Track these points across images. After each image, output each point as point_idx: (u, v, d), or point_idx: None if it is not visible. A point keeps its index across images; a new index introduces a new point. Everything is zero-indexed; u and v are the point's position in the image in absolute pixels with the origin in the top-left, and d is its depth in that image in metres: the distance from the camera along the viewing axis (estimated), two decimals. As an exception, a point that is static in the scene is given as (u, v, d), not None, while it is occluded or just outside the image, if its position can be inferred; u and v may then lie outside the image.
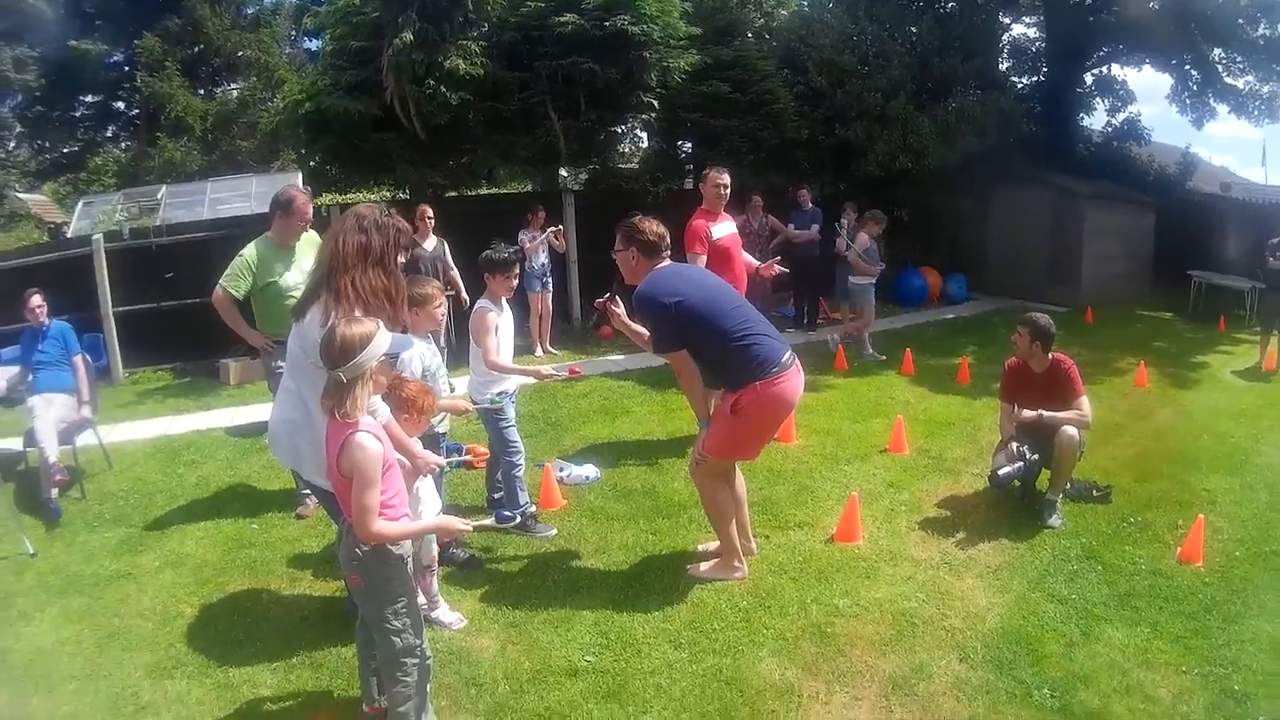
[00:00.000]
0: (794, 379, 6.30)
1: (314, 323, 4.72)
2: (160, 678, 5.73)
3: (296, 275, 7.88)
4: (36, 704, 5.55)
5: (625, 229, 6.50)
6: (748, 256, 9.97)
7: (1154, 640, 5.72)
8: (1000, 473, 7.64)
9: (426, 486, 5.72)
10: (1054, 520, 7.51)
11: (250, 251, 7.89)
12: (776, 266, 9.79)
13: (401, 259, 5.13)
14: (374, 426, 4.23)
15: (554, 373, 7.69)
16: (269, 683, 5.57)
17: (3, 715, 5.50)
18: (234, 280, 7.80)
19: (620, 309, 6.53)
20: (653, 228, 6.45)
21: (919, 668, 5.45)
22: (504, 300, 7.48)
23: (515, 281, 7.51)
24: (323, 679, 5.58)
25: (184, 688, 5.59)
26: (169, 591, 6.98)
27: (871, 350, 14.84)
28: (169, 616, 6.57)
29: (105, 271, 15.08)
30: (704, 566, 6.78)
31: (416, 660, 4.50)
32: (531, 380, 7.99)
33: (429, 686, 4.66)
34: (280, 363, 7.79)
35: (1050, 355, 7.87)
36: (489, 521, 6.40)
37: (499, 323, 7.32)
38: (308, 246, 8.06)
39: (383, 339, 4.19)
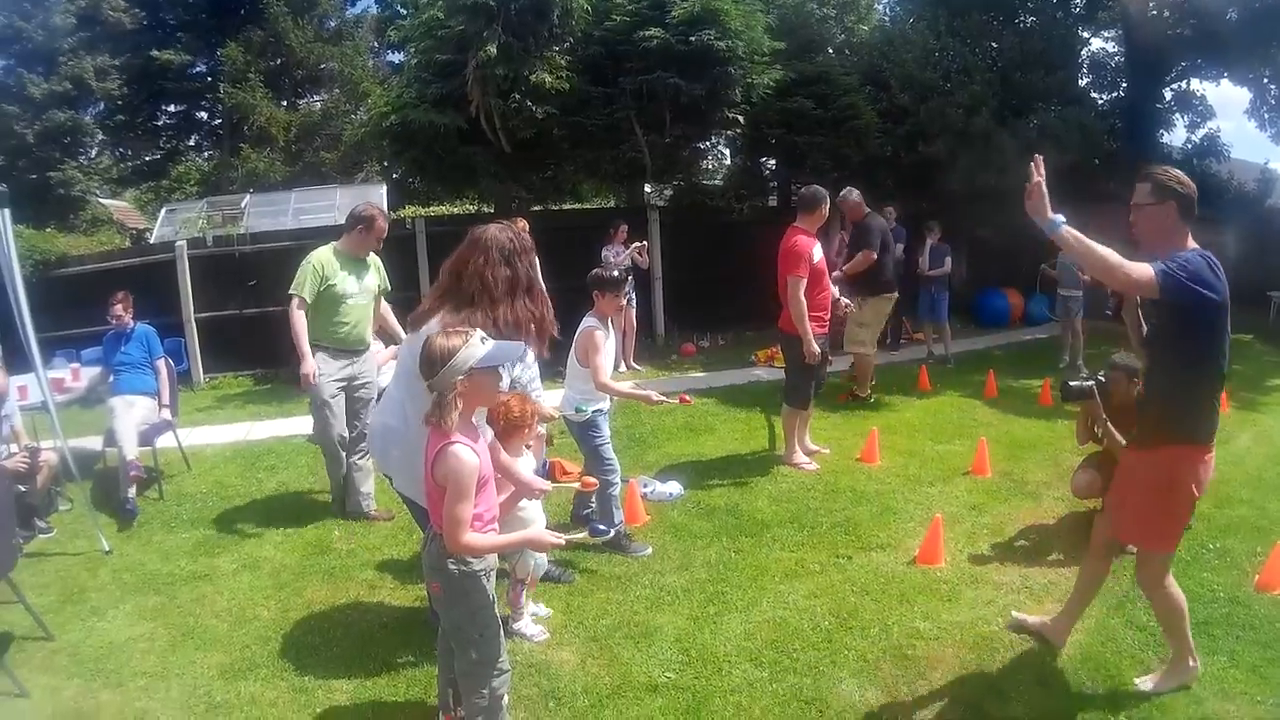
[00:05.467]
0: None
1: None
2: (233, 679, 5.83)
3: (355, 285, 8.22)
4: (106, 698, 5.68)
5: (1160, 178, 5.33)
6: None
7: (1230, 669, 5.67)
8: (1072, 384, 7.72)
9: (534, 505, 5.79)
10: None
11: (316, 257, 8.21)
12: None
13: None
14: (473, 440, 4.25)
15: (664, 399, 7.69)
16: (345, 689, 5.65)
17: (72, 709, 5.61)
18: (301, 286, 8.05)
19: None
20: (1188, 179, 5.33)
21: (998, 692, 5.45)
22: (609, 320, 7.52)
23: (624, 301, 7.55)
24: (399, 687, 5.66)
25: (257, 689, 5.69)
26: (245, 594, 7.12)
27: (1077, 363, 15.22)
28: (245, 618, 6.70)
29: (188, 277, 15.57)
30: (1153, 679, 5.59)
31: (494, 672, 4.53)
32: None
33: (506, 698, 4.69)
34: (332, 387, 8.04)
35: (1137, 388, 7.69)
36: (582, 535, 6.44)
37: (604, 339, 7.35)
38: (373, 265, 8.50)
39: (469, 352, 4.14)
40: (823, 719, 5.25)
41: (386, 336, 8.95)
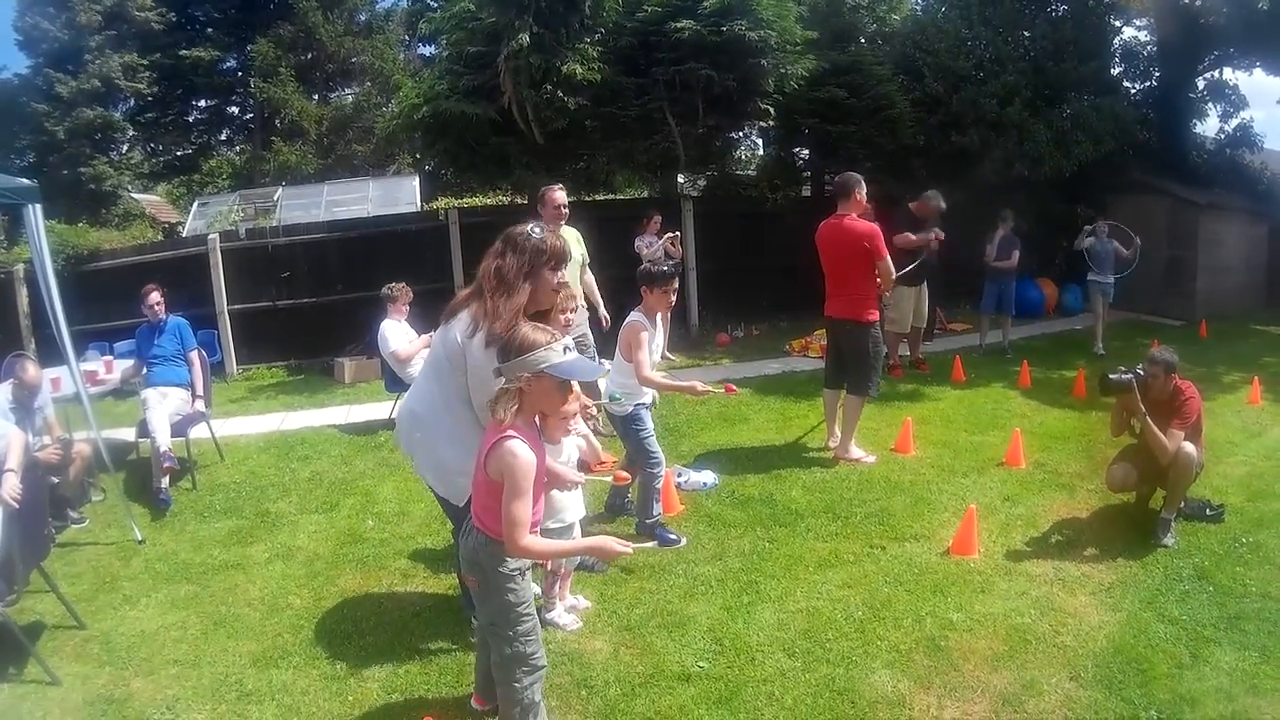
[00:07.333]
0: None
1: (457, 327, 4.82)
2: (265, 666, 5.88)
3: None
4: (137, 686, 5.72)
5: None
6: None
7: (1262, 665, 5.61)
8: (1111, 376, 7.59)
9: (570, 494, 5.78)
10: (1168, 539, 7.36)
11: None
12: None
13: (555, 277, 5.09)
14: (533, 441, 4.22)
15: (709, 389, 7.56)
16: (377, 677, 5.67)
17: (103, 696, 5.64)
18: None
19: None
20: None
21: (1030, 684, 5.42)
22: (657, 316, 7.49)
23: (673, 296, 7.49)
24: (431, 676, 5.66)
25: (289, 678, 5.73)
26: (278, 583, 7.17)
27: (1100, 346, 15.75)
28: (277, 607, 6.75)
29: (221, 270, 15.67)
30: None
31: (526, 669, 4.49)
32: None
33: (540, 694, 4.64)
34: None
35: (1174, 383, 7.62)
36: (650, 544, 6.44)
37: (649, 338, 7.29)
38: (571, 239, 9.20)
39: (545, 354, 4.10)
40: (855, 709, 5.22)
41: (590, 304, 10.07)
